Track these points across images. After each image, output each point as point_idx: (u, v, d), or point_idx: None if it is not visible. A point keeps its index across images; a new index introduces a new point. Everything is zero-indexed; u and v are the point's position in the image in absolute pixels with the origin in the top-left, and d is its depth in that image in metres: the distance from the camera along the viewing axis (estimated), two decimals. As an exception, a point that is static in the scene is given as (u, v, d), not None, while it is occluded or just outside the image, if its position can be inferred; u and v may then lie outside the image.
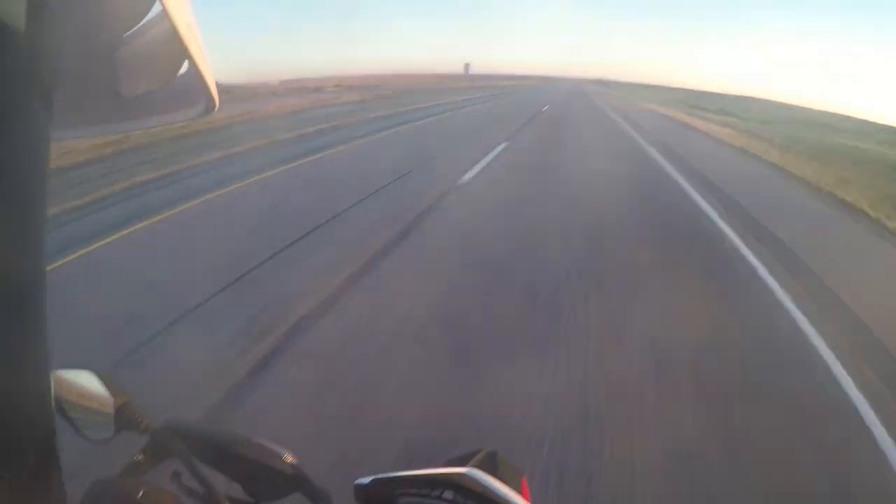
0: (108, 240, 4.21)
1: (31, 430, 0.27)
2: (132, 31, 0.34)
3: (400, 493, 0.55)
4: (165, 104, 0.38)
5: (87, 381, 0.54)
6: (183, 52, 0.33)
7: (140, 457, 0.55)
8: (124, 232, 4.42)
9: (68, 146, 7.22)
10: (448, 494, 0.53)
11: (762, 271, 3.98)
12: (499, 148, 9.16)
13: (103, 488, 0.50)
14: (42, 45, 0.25)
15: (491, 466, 0.70)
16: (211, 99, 0.38)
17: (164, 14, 0.30)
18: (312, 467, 0.55)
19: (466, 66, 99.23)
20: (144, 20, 0.34)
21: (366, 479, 0.56)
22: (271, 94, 24.54)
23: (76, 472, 0.41)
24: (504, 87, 56.39)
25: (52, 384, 0.30)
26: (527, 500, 0.74)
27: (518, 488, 0.69)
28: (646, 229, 5.11)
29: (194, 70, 0.35)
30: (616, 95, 51.79)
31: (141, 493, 0.46)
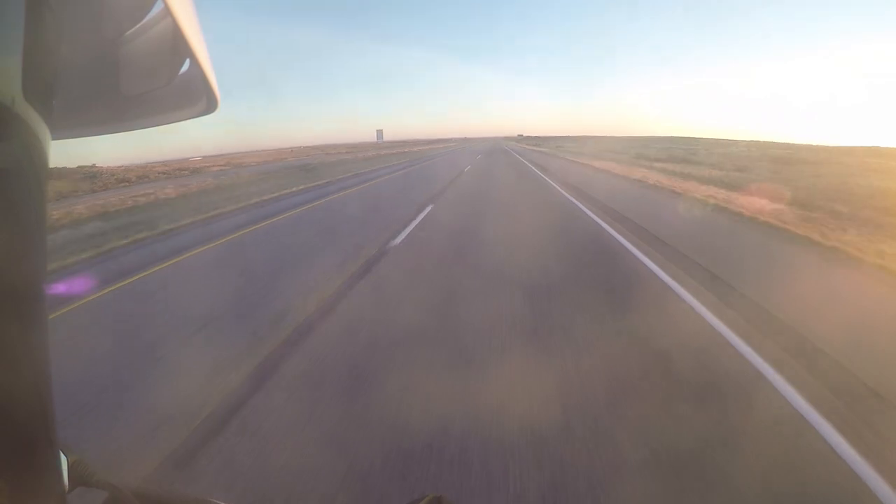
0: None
1: (31, 430, 0.27)
2: (134, 29, 0.34)
3: None
4: (167, 103, 0.38)
5: None
6: (185, 51, 0.33)
7: None
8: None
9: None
10: None
11: None
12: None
13: None
14: (42, 45, 0.25)
15: None
16: (213, 97, 0.38)
17: (167, 12, 0.30)
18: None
19: (378, 132, 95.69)
20: (146, 18, 0.34)
21: None
22: (140, 178, 22.62)
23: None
24: (415, 154, 48.66)
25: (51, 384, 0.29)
26: None
27: None
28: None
29: (196, 68, 0.34)
30: (545, 152, 40.75)
31: None
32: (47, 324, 0.28)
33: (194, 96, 0.38)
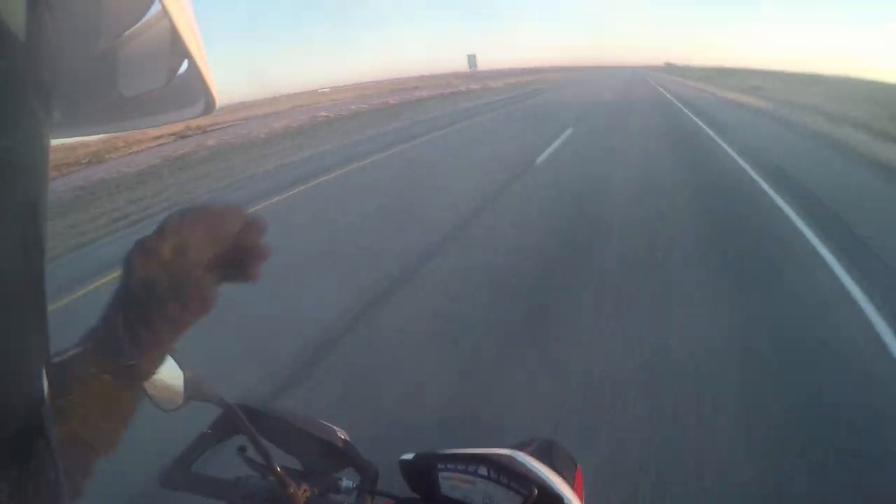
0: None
1: (30, 430, 0.26)
2: (132, 30, 0.34)
3: (440, 469, 0.59)
4: (165, 104, 0.38)
5: None
6: (183, 51, 0.33)
7: (209, 430, 0.62)
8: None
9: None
10: (483, 471, 0.57)
11: None
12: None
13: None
14: (42, 45, 0.25)
15: (545, 453, 0.76)
16: (211, 98, 0.38)
17: (164, 13, 0.30)
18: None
19: (471, 58, 67.23)
20: (144, 19, 0.34)
21: (409, 455, 0.62)
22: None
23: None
24: (515, 92, 30.21)
25: (49, 384, 0.29)
26: (578, 488, 0.77)
27: (571, 477, 0.74)
28: None
29: (194, 69, 0.34)
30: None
31: None
32: (47, 324, 0.27)
33: (192, 97, 0.38)
